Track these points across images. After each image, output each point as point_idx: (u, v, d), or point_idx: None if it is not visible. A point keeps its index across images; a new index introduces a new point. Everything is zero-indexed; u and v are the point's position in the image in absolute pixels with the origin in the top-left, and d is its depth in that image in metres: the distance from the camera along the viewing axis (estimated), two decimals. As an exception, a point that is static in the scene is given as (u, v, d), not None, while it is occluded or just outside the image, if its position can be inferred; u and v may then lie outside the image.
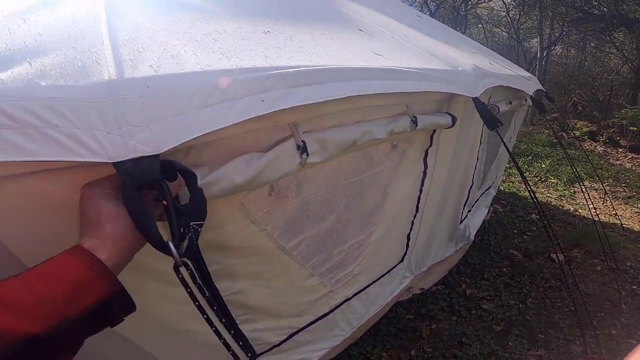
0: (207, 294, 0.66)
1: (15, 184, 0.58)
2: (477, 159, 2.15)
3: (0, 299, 0.43)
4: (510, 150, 3.48)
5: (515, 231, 3.24)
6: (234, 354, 0.78)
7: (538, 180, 4.70)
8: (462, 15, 8.83)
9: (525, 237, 3.14)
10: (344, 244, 1.39)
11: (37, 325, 0.44)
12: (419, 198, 1.65)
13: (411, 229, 1.75)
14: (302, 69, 0.76)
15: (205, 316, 0.66)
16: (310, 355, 1.53)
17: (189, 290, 0.59)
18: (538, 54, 8.01)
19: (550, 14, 8.27)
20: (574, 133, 6.53)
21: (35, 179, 0.59)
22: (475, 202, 2.77)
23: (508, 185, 4.33)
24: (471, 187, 2.28)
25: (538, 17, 7.69)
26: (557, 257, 2.66)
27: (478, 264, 2.69)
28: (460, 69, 1.39)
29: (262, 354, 1.31)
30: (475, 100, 1.36)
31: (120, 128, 0.53)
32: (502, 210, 3.65)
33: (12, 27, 0.66)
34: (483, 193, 2.99)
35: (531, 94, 2.42)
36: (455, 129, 1.50)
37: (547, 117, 4.14)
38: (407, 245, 1.81)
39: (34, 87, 0.52)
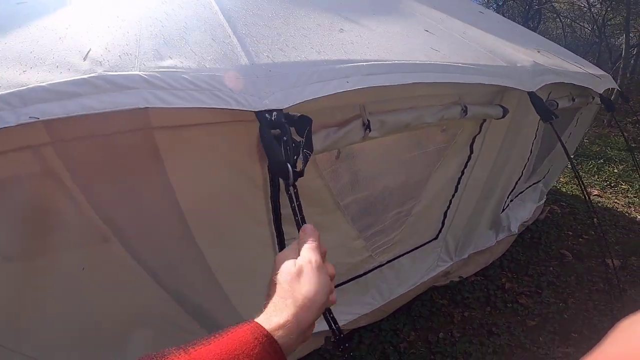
0: (298, 217, 0.83)
1: (189, 131, 0.90)
2: (531, 152, 2.19)
3: None
4: (574, 147, 3.34)
5: (571, 233, 3.15)
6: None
7: (607, 185, 4.41)
8: (534, 9, 8.22)
9: (580, 240, 3.05)
10: (389, 212, 1.58)
11: None
12: (459, 179, 1.78)
13: (448, 207, 1.88)
14: (372, 62, 1.00)
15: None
16: (342, 316, 1.67)
17: (293, 205, 0.80)
18: (623, 53, 7.28)
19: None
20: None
21: (202, 129, 0.90)
22: (520, 193, 2.76)
23: (571, 187, 4.15)
24: (519, 178, 2.33)
25: (625, 14, 6.97)
26: (612, 262, 2.59)
27: (523, 260, 2.68)
28: (518, 65, 1.49)
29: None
30: (531, 94, 1.46)
31: (258, 93, 0.82)
32: (560, 211, 3.54)
33: (161, 18, 0.91)
34: (530, 186, 2.94)
35: (600, 92, 2.36)
36: (506, 121, 1.61)
37: (628, 120, 3.88)
38: (443, 223, 1.94)
39: (203, 67, 0.81)
